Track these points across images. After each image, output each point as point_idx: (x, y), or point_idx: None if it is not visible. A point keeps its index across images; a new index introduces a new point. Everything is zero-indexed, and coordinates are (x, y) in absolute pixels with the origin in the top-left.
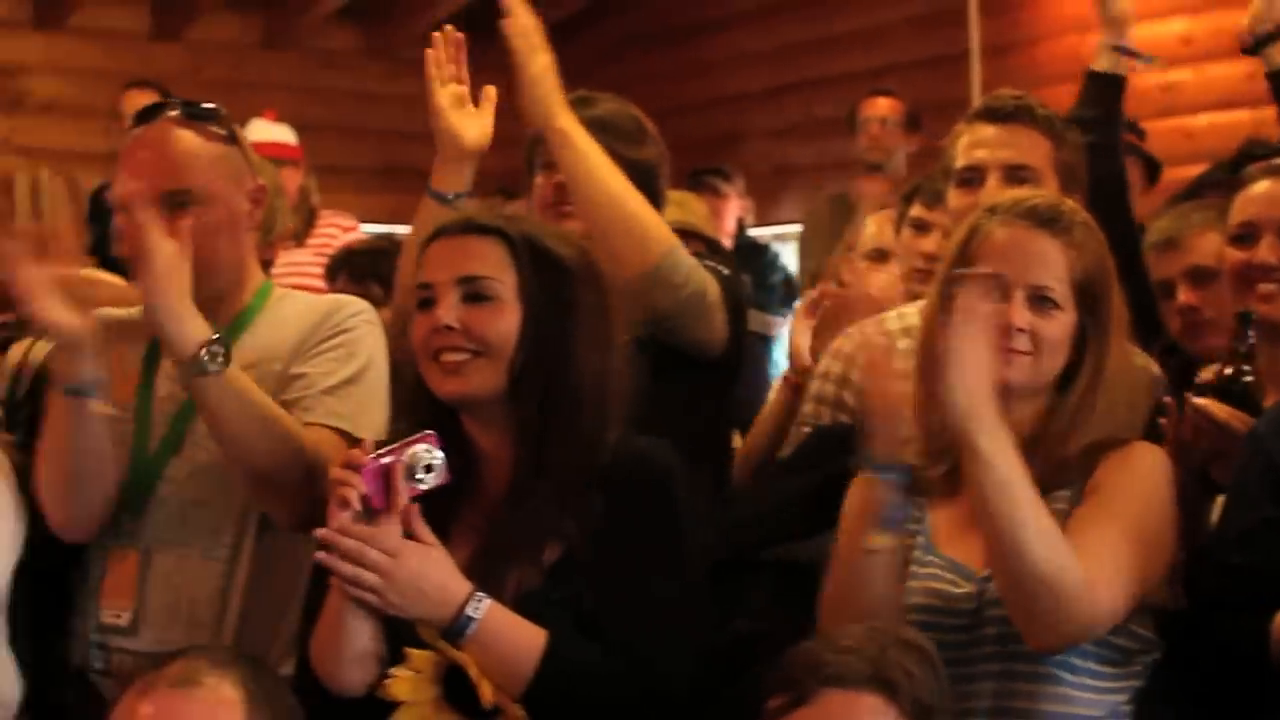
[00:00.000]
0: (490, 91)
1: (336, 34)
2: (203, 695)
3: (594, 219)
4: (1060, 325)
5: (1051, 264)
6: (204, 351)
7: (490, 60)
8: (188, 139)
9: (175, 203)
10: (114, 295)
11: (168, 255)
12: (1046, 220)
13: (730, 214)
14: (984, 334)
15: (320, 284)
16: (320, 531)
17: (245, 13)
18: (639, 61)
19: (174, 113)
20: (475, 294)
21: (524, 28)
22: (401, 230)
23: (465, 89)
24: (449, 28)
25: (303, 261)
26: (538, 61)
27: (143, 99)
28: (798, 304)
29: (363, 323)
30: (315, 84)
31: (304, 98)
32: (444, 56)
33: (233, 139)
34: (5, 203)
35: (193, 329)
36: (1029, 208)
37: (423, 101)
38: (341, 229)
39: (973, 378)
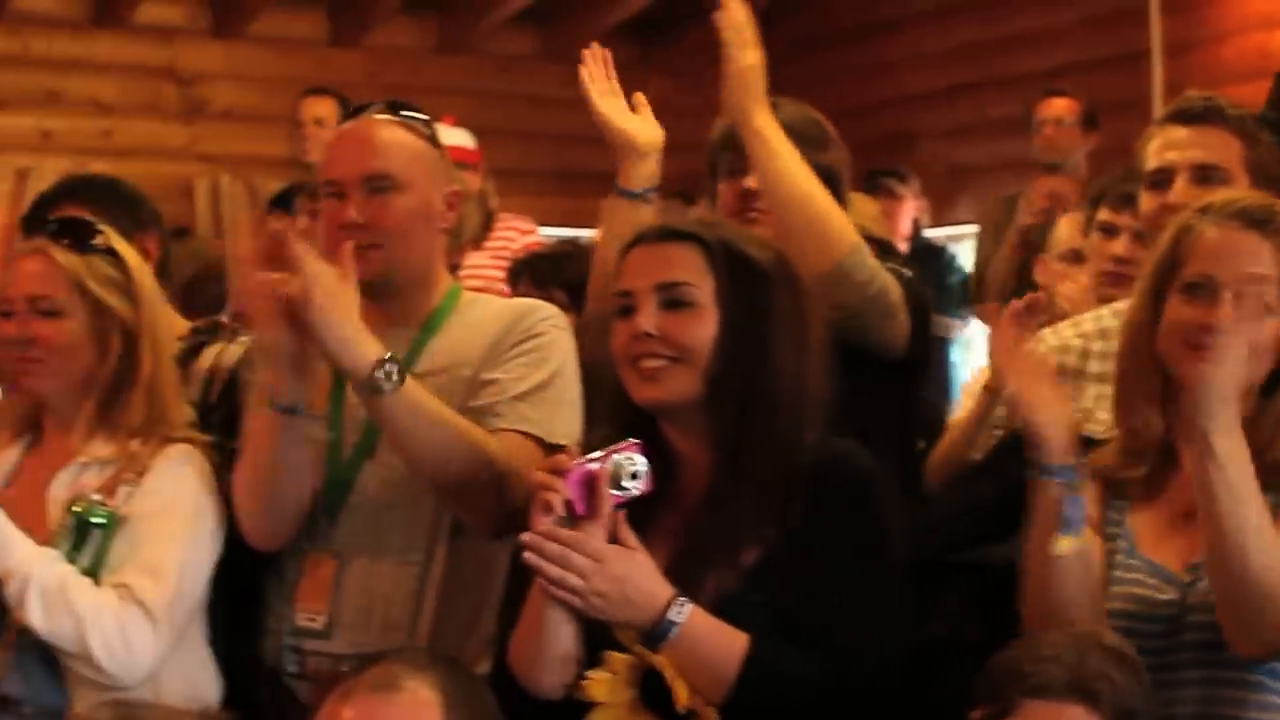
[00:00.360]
0: (641, 98)
1: (513, 38)
2: (402, 699)
3: (783, 217)
4: (1270, 328)
5: (1263, 265)
6: (377, 372)
7: (663, 64)
8: (392, 129)
9: (375, 187)
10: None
11: (328, 281)
12: (1258, 221)
13: (905, 215)
14: (1246, 342)
15: (499, 286)
16: (525, 536)
17: (422, 18)
18: (814, 62)
19: (380, 112)
20: (674, 300)
21: (737, 22)
22: (578, 233)
23: (620, 96)
24: (596, 46)
25: (481, 264)
26: (746, 57)
27: (321, 105)
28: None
29: (553, 328)
30: (491, 88)
31: (480, 102)
32: (599, 72)
33: (436, 143)
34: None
35: (364, 351)
36: (1241, 208)
37: None
38: (520, 232)
39: (1227, 381)
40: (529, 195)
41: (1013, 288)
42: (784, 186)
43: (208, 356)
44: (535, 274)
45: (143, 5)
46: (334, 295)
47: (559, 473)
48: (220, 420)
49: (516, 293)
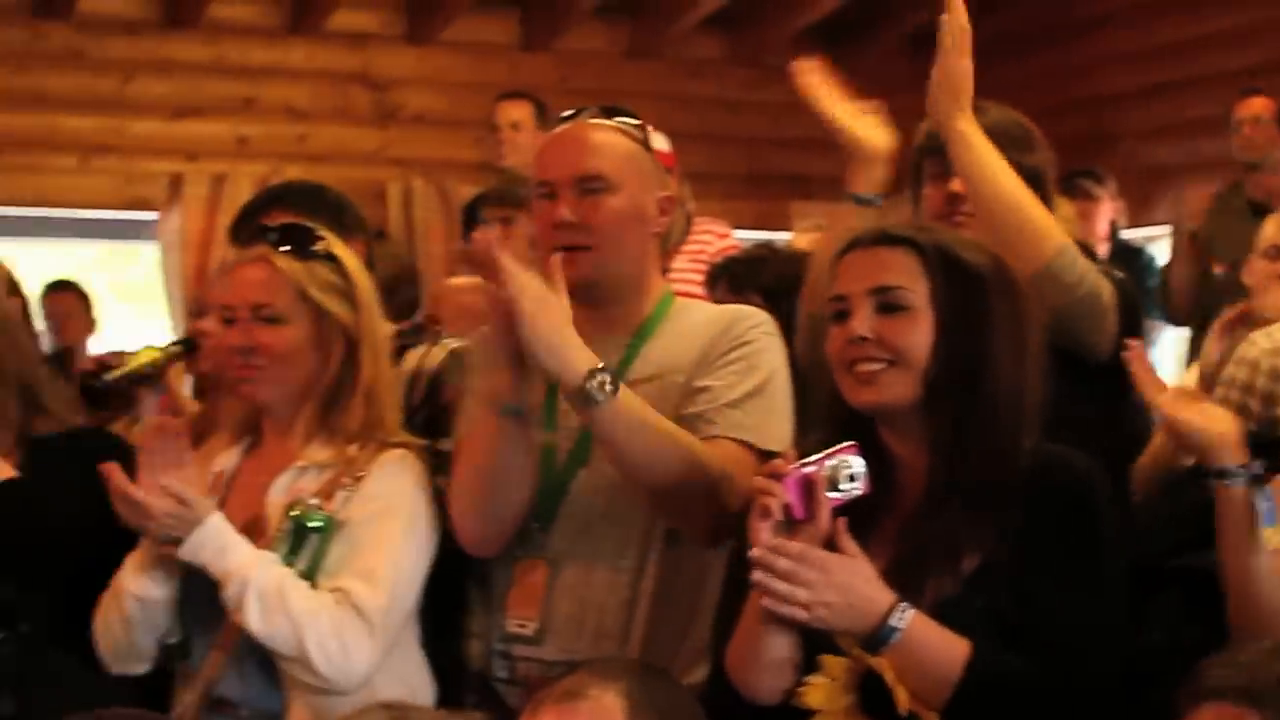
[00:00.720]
0: (875, 106)
1: (702, 42)
2: (586, 708)
3: (990, 219)
4: None
5: None
6: (589, 382)
7: (853, 67)
8: (604, 131)
9: (587, 188)
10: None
11: (534, 291)
12: None
13: (1102, 217)
14: None
15: (695, 290)
16: (754, 553)
17: (612, 22)
18: (1009, 63)
19: (595, 115)
20: (889, 304)
21: (958, 27)
22: (771, 236)
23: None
24: (795, 63)
25: (679, 269)
26: (957, 63)
27: (517, 109)
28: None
29: (764, 335)
30: (681, 92)
31: (670, 106)
32: (815, 78)
33: (649, 147)
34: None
35: (576, 361)
36: None
37: (787, 108)
38: (716, 236)
39: None
40: (720, 199)
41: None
42: (989, 188)
43: (411, 359)
44: (732, 278)
45: (337, 12)
46: (543, 304)
47: (777, 477)
48: (423, 422)
49: (714, 297)
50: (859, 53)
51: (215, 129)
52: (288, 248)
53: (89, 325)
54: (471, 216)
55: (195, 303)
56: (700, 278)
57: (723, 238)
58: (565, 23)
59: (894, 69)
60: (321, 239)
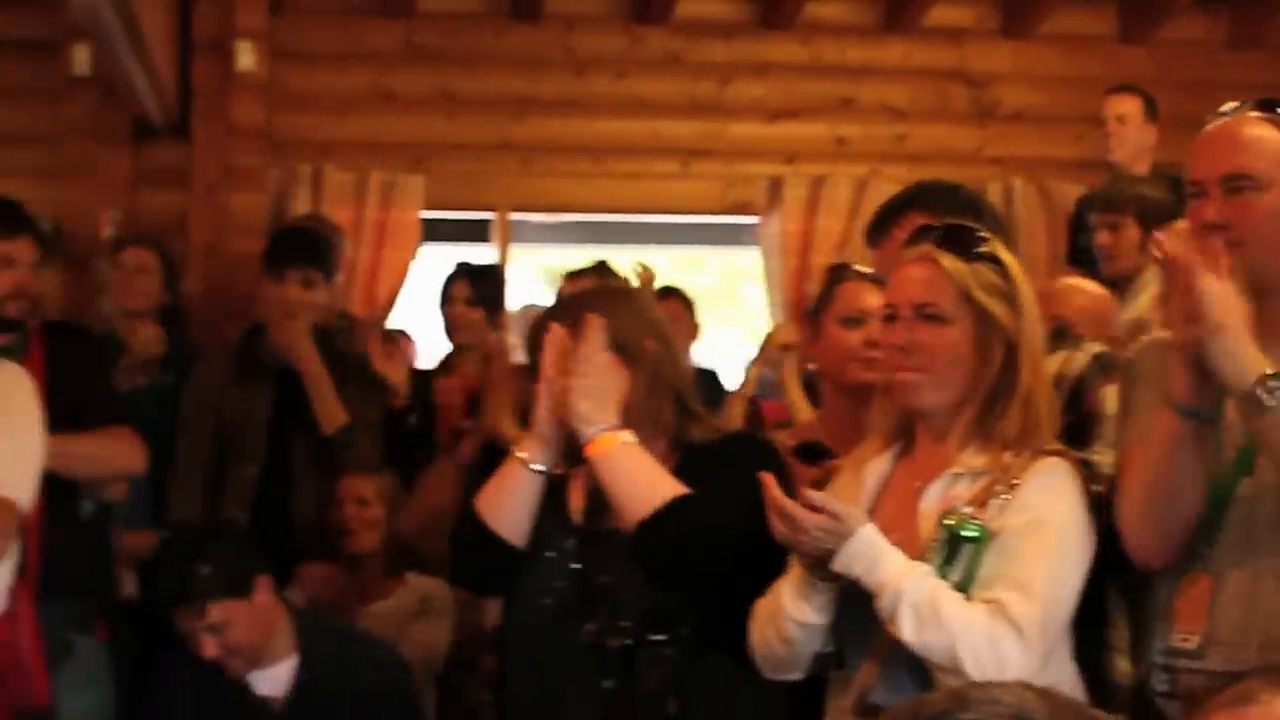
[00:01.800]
0: None
1: None
2: (1258, 713)
3: None
4: None
5: None
6: (1259, 389)
7: None
8: (1260, 126)
9: (1233, 186)
10: (1093, 305)
11: (1217, 295)
12: None
13: None
14: None
15: None
16: None
17: (1213, 11)
18: None
19: (1252, 109)
20: None
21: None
22: None
23: None
24: None
25: None
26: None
27: (1125, 103)
28: None
29: None
30: None
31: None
32: None
33: None
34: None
35: (1248, 365)
36: None
37: None
38: None
39: None
40: None
41: None
42: None
43: (1052, 364)
44: None
45: (933, 8)
46: (1226, 307)
47: None
48: (1067, 429)
49: None
50: None
51: (814, 130)
52: (952, 247)
53: (693, 331)
54: (1079, 220)
55: (797, 306)
56: None
57: None
58: (1163, 12)
59: None
60: (985, 240)
